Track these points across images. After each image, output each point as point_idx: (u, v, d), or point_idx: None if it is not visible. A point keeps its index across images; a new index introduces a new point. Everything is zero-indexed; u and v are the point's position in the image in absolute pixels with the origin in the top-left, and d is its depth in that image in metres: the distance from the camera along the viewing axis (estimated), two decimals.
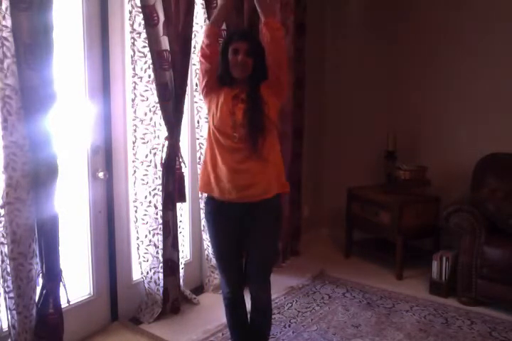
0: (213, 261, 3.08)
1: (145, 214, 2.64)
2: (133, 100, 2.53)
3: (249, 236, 2.06)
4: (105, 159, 2.51)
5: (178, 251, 2.75)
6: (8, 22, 1.85)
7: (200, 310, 2.87)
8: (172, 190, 2.64)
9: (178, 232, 2.75)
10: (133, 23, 2.45)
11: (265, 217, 2.05)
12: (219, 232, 2.10)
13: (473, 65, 3.48)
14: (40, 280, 2.10)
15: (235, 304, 2.18)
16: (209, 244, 3.04)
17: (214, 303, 2.90)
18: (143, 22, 2.42)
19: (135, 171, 2.60)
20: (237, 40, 1.98)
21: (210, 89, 2.06)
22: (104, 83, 2.46)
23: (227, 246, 2.11)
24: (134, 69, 2.49)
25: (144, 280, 2.74)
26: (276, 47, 1.98)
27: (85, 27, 2.35)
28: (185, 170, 2.77)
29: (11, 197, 1.94)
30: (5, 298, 2.00)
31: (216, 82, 2.05)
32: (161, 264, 2.69)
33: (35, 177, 1.99)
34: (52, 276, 2.09)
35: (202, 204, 3.01)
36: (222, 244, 2.11)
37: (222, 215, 2.07)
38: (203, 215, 3.02)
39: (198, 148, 2.95)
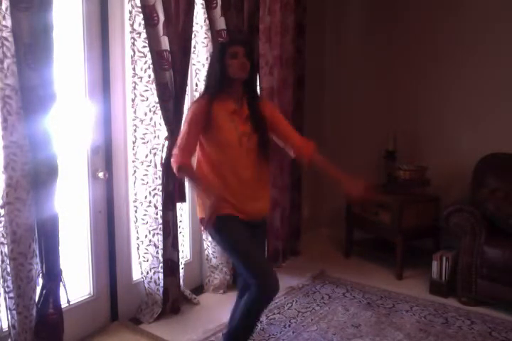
0: (213, 261, 3.08)
1: (145, 214, 2.64)
2: (133, 100, 2.53)
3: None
4: (105, 159, 2.51)
5: (178, 251, 2.75)
6: (8, 22, 1.85)
7: (200, 310, 2.87)
8: (172, 190, 2.64)
9: (178, 232, 2.75)
10: (133, 23, 2.45)
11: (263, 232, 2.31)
12: (238, 230, 2.06)
13: (473, 65, 3.48)
14: (40, 280, 2.10)
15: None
16: (209, 244, 3.05)
17: (214, 303, 2.90)
18: (143, 22, 2.42)
19: (135, 171, 2.59)
20: (234, 45, 2.07)
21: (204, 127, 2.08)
22: (104, 83, 2.45)
23: (250, 239, 2.08)
24: (134, 69, 2.49)
25: (144, 280, 2.74)
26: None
27: (85, 27, 2.35)
28: None
29: (11, 197, 1.95)
30: (5, 298, 2.00)
31: (204, 120, 2.04)
32: (161, 264, 2.69)
33: (35, 177, 1.99)
34: (52, 276, 2.09)
35: None
36: (246, 238, 2.06)
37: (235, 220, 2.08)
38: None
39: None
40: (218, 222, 2.02)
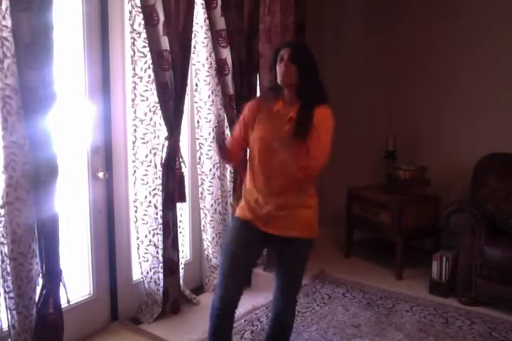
0: (213, 261, 3.08)
1: (145, 214, 2.64)
2: (133, 100, 2.53)
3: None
4: (105, 159, 2.51)
5: (178, 251, 2.75)
6: (8, 22, 1.84)
7: (200, 310, 2.86)
8: (172, 190, 2.64)
9: (178, 232, 2.75)
10: (133, 23, 2.44)
11: None
12: (236, 238, 1.98)
13: (473, 65, 3.48)
14: (40, 280, 2.10)
15: (228, 314, 1.99)
16: (209, 244, 3.05)
17: None
18: (143, 22, 2.42)
19: (135, 171, 2.59)
20: (282, 48, 1.93)
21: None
22: (104, 83, 2.45)
23: (244, 258, 1.99)
24: (134, 69, 2.49)
25: (144, 280, 2.73)
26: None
27: (85, 27, 2.35)
28: (185, 170, 2.76)
29: (11, 197, 1.94)
30: (5, 298, 2.00)
31: (250, 121, 1.99)
32: (161, 264, 2.69)
33: (35, 177, 1.99)
34: (52, 276, 2.09)
35: (202, 204, 3.01)
36: (239, 255, 1.97)
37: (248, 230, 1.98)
38: (203, 215, 3.02)
39: (198, 148, 2.95)
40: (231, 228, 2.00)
